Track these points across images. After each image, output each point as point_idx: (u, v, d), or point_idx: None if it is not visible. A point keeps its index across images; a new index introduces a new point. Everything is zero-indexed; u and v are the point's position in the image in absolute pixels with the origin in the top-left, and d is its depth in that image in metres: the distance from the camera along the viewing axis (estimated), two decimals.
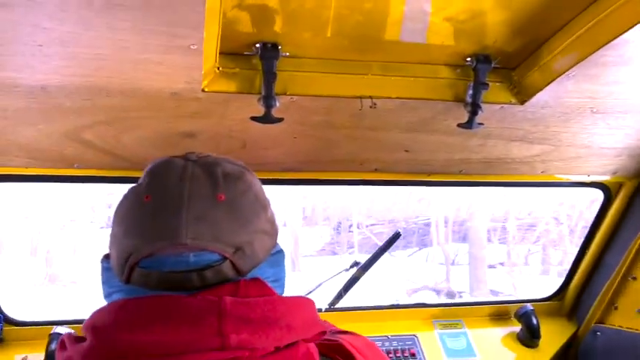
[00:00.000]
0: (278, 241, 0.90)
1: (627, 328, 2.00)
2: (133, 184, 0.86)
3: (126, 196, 0.84)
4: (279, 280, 0.87)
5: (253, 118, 1.34)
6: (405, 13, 1.24)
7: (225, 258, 0.77)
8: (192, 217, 0.76)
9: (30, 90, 1.21)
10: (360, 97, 1.38)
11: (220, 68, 1.29)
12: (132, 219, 0.80)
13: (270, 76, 1.27)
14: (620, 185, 1.98)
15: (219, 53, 1.25)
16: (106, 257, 0.86)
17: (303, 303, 0.80)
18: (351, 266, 2.08)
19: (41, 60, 1.10)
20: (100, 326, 0.72)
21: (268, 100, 1.29)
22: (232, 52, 1.29)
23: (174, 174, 0.81)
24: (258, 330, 0.72)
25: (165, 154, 1.48)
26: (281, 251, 0.89)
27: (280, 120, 1.35)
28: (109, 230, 0.85)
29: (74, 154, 1.45)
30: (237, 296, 0.74)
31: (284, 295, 0.85)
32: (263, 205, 0.86)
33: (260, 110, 1.33)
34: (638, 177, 1.91)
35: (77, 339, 0.75)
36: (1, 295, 1.81)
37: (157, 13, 0.97)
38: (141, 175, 1.55)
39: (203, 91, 1.28)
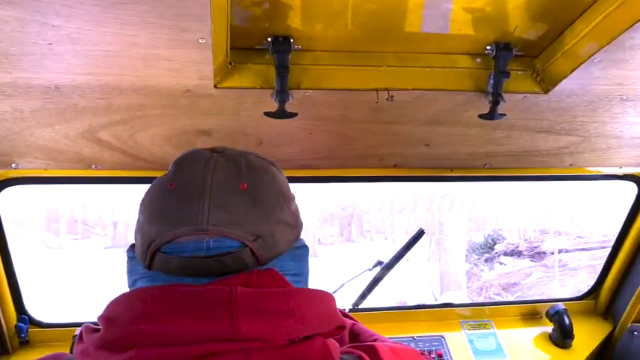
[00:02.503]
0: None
1: None
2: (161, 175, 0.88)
3: (152, 186, 0.87)
4: (301, 274, 0.86)
5: (267, 114, 1.32)
6: (425, 0, 1.20)
7: (245, 245, 0.77)
8: (214, 205, 0.78)
9: (44, 90, 1.22)
10: (376, 90, 1.35)
11: (232, 63, 1.28)
12: (156, 206, 0.82)
13: (282, 70, 1.25)
14: None
15: (231, 48, 1.24)
16: (132, 247, 0.87)
17: (319, 295, 0.79)
18: (375, 266, 2.04)
19: (52, 59, 1.10)
20: (112, 316, 0.73)
21: (282, 94, 1.27)
22: (244, 47, 1.28)
23: (199, 163, 0.83)
24: (271, 321, 0.71)
25: (181, 152, 1.49)
26: (305, 246, 0.89)
27: (294, 115, 1.32)
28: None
29: (92, 155, 1.46)
30: (250, 286, 0.74)
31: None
32: (286, 197, 0.87)
33: (274, 106, 1.31)
34: None
35: (94, 330, 0.76)
36: (26, 297, 1.83)
37: (163, 6, 0.96)
38: (159, 175, 1.55)
39: (215, 87, 1.27)
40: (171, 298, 0.72)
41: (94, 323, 0.79)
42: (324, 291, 0.80)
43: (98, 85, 1.22)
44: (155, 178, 1.56)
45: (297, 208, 0.90)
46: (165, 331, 0.69)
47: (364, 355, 0.81)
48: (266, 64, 1.29)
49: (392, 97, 1.36)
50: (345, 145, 1.55)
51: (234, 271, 0.77)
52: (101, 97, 1.26)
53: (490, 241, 10.51)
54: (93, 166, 1.50)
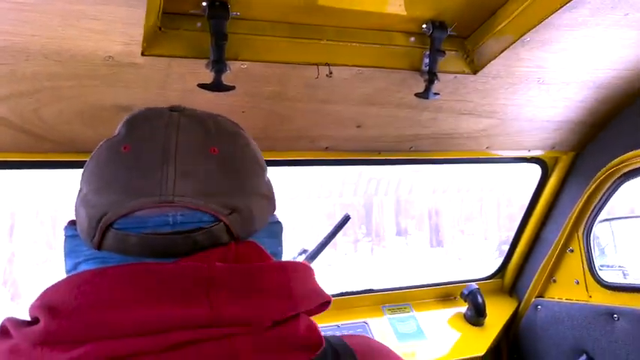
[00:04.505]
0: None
1: (566, 299, 2.06)
2: (108, 138, 0.72)
3: (98, 150, 0.71)
4: (277, 254, 0.76)
5: (201, 86, 1.21)
6: None
7: (218, 220, 0.66)
8: (180, 171, 0.65)
9: None
10: (317, 64, 1.29)
11: (162, 28, 1.15)
12: (107, 173, 0.67)
13: (220, 38, 1.14)
14: (556, 160, 2.03)
15: (162, 13, 1.11)
16: (72, 224, 0.71)
17: (302, 269, 0.69)
18: (299, 254, 1.97)
19: None
20: (57, 305, 0.58)
21: (218, 65, 1.17)
22: (176, 12, 1.16)
23: (159, 123, 0.69)
24: (254, 302, 0.61)
25: (95, 132, 1.32)
26: (279, 222, 0.78)
27: (232, 88, 1.22)
28: None
29: None
30: (228, 261, 0.63)
31: None
32: (262, 166, 0.76)
33: (205, 78, 1.21)
34: (574, 150, 1.96)
35: (25, 323, 0.60)
36: None
37: None
38: (67, 158, 1.35)
39: (142, 54, 1.13)
40: (133, 279, 0.59)
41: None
42: (304, 263, 0.72)
43: (0, 48, 1.03)
44: (63, 162, 1.38)
45: (269, 179, 0.80)
46: (125, 319, 0.57)
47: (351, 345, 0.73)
48: (199, 31, 1.18)
49: (331, 72, 1.31)
50: (277, 125, 1.47)
51: (206, 249, 0.65)
52: (2, 62, 1.07)
53: None
54: None
